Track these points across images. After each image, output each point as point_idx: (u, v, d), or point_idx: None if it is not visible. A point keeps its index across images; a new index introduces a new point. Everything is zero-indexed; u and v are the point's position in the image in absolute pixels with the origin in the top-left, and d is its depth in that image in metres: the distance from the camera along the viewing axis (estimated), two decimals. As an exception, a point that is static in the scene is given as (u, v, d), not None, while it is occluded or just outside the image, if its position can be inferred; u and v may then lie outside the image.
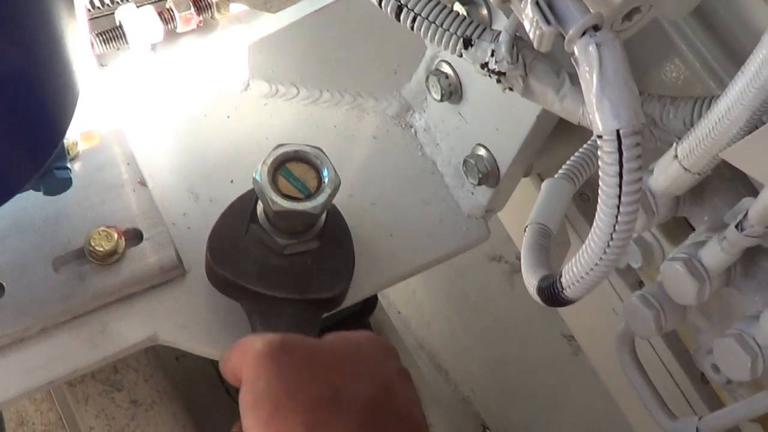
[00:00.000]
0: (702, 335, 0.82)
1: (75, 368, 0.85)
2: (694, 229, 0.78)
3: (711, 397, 0.99)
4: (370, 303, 1.04)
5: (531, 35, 0.60)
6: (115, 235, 0.88)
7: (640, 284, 0.98)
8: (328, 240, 0.90)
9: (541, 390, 1.68)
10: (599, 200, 0.58)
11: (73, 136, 0.91)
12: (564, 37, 0.59)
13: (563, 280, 0.63)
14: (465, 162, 0.94)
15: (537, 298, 0.68)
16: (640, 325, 0.76)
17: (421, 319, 1.87)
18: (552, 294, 0.65)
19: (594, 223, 0.59)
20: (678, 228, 0.82)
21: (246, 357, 0.70)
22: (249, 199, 0.88)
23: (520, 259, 1.56)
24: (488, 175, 0.92)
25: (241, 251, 0.88)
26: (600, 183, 0.57)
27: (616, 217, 0.57)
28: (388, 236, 0.96)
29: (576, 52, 0.58)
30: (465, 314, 1.82)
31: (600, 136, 0.56)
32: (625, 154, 0.55)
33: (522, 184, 0.99)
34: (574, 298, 0.64)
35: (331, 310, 0.93)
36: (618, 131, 0.55)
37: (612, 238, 0.58)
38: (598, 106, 0.56)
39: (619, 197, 0.56)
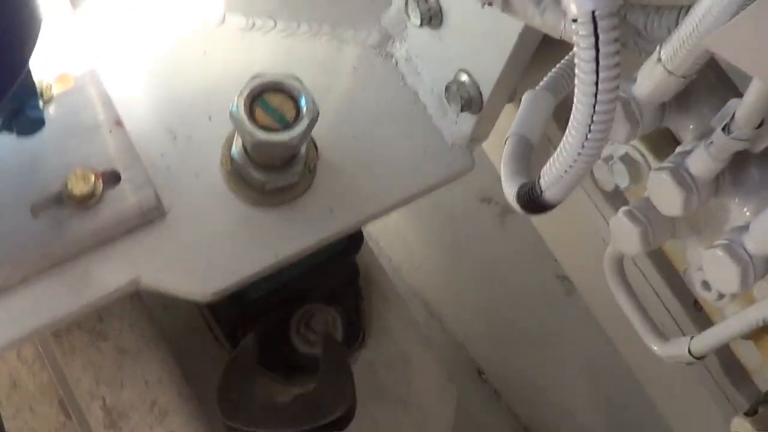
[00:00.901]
0: (690, 251, 0.81)
1: (58, 316, 0.84)
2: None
3: (704, 324, 0.98)
4: (355, 241, 1.02)
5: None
6: (93, 177, 0.86)
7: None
8: (327, 365, 0.95)
9: (536, 332, 1.68)
10: (576, 90, 0.56)
11: (47, 79, 0.89)
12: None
13: (541, 182, 0.61)
14: (447, 88, 0.93)
15: (516, 206, 0.66)
16: (627, 241, 0.75)
17: (412, 265, 1.86)
18: (531, 198, 0.63)
19: (571, 117, 0.57)
20: (665, 143, 0.80)
21: None
22: (249, 355, 0.95)
23: (511, 201, 1.56)
24: (471, 101, 0.91)
25: (247, 401, 0.95)
26: (576, 71, 0.55)
27: (594, 106, 0.55)
28: (371, 168, 0.94)
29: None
30: (457, 258, 1.81)
31: (575, 20, 0.54)
32: (601, 37, 0.53)
33: (507, 116, 0.97)
34: (553, 201, 0.62)
35: (343, 428, 0.97)
36: (593, 12, 0.53)
37: (590, 130, 0.56)
38: (573, -14, 0.54)
39: (596, 84, 0.54)
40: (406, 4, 0.92)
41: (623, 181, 0.84)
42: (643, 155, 0.82)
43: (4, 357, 1.22)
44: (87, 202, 0.86)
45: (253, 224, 0.90)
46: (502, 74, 0.86)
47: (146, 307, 1.04)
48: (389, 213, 0.94)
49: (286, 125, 0.83)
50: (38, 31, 0.71)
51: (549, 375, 1.68)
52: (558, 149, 0.59)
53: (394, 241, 1.81)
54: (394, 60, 1.00)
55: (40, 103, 0.86)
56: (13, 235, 0.84)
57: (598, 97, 0.54)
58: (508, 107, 0.97)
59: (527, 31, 0.81)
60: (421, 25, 0.91)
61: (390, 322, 1.14)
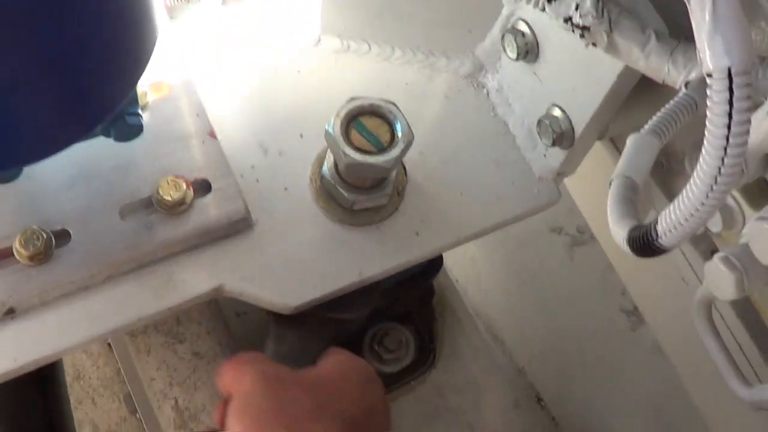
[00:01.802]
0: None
1: (139, 317, 0.85)
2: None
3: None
4: (436, 264, 1.03)
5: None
6: (184, 185, 0.87)
7: (712, 253, 0.96)
8: None
9: (598, 364, 1.67)
10: (705, 142, 0.56)
11: (142, 87, 0.91)
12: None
13: (659, 227, 0.62)
14: (539, 122, 0.93)
15: (626, 248, 0.66)
16: (722, 287, 0.75)
17: (478, 288, 1.86)
18: (645, 243, 0.64)
19: (697, 167, 0.57)
20: (760, 192, 0.80)
21: (240, 379, 0.78)
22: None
23: (581, 232, 1.56)
24: (563, 136, 0.91)
25: None
26: (707, 124, 0.56)
27: (722, 159, 0.55)
28: (458, 195, 0.95)
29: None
30: (523, 285, 1.81)
31: (709, 75, 0.54)
32: (735, 93, 0.53)
33: (592, 150, 0.98)
34: (668, 246, 0.63)
35: (347, 331, 0.99)
36: (729, 69, 0.53)
37: (716, 182, 0.56)
38: (709, 43, 0.54)
39: (727, 138, 0.54)
40: (503, 37, 0.93)
41: (716, 227, 0.84)
42: (737, 202, 0.82)
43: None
44: (177, 208, 0.87)
45: (338, 242, 0.92)
46: (596, 112, 0.87)
47: (222, 314, 1.05)
48: (473, 240, 0.95)
49: (381, 149, 0.84)
50: (154, 47, 0.72)
51: (609, 407, 1.68)
52: (680, 197, 0.59)
53: (462, 263, 1.81)
54: (485, 90, 1.01)
55: (139, 109, 0.88)
56: (101, 235, 0.86)
57: (728, 150, 0.55)
58: (594, 147, 0.97)
59: (626, 71, 0.82)
60: (517, 59, 0.92)
61: (461, 345, 1.15)
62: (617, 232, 0.67)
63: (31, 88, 0.62)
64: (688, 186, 0.59)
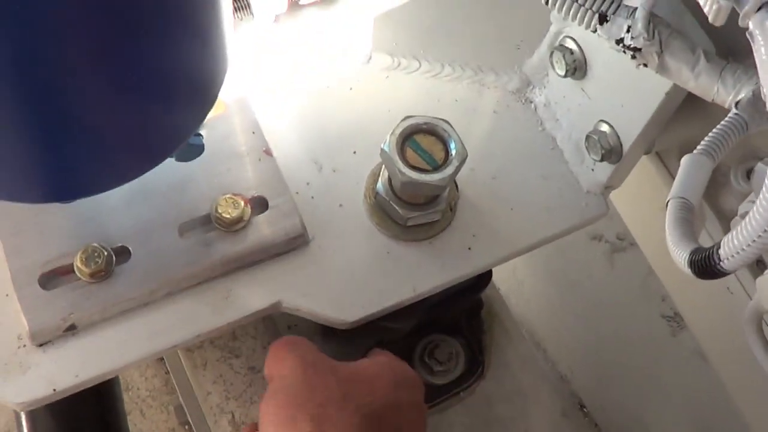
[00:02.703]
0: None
1: (198, 333, 0.87)
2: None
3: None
4: (485, 278, 1.04)
5: (706, 10, 0.60)
6: (242, 203, 0.89)
7: (757, 263, 0.97)
8: None
9: (639, 370, 1.68)
10: None
11: (200, 106, 0.92)
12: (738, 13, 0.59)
13: (722, 252, 0.63)
14: (587, 138, 0.94)
15: (688, 271, 0.67)
16: (773, 300, 0.76)
17: (520, 297, 1.87)
18: (707, 266, 0.65)
19: (761, 194, 0.59)
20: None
21: (280, 362, 0.83)
22: None
23: (620, 239, 1.57)
24: (611, 151, 0.92)
25: None
26: None
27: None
28: (508, 210, 0.97)
29: (751, 27, 0.58)
30: (564, 293, 1.82)
31: None
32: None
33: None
34: (730, 270, 0.64)
35: (391, 341, 1.01)
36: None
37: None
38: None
39: None
40: (551, 54, 0.95)
41: (766, 242, 0.85)
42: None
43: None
44: (235, 226, 0.89)
45: (393, 257, 0.93)
46: (645, 128, 0.88)
47: (276, 328, 1.06)
48: (523, 254, 0.97)
49: (436, 167, 0.86)
50: (225, 75, 0.74)
51: (651, 413, 1.68)
52: (744, 222, 0.61)
53: (503, 272, 1.82)
54: (533, 105, 1.03)
55: (201, 130, 0.90)
56: (160, 252, 0.88)
57: None
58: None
59: (674, 89, 0.83)
60: (565, 75, 0.94)
61: (509, 356, 1.16)
62: (678, 254, 0.68)
63: (112, 119, 0.64)
64: (752, 211, 0.60)
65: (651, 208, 1.09)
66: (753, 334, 0.85)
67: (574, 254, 1.69)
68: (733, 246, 0.62)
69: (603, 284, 1.66)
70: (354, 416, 0.78)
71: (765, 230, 0.59)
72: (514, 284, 1.86)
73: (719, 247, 0.63)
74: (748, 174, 0.94)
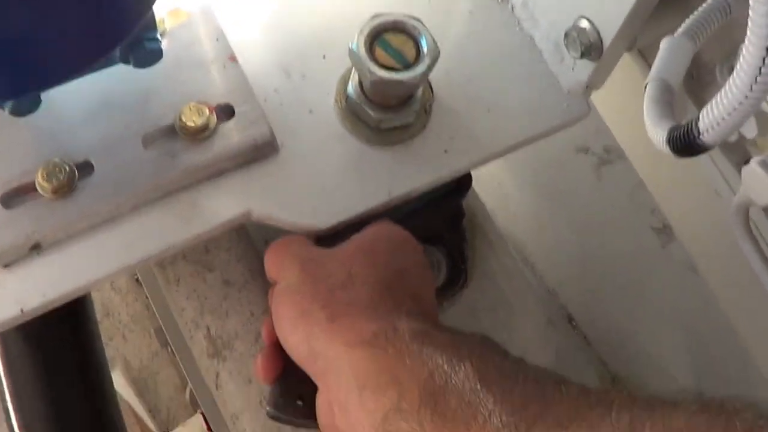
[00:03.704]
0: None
1: (167, 246, 0.85)
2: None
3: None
4: (464, 184, 1.02)
5: None
6: (207, 111, 0.86)
7: (746, 163, 0.95)
8: None
9: (628, 282, 1.66)
10: (748, 32, 0.54)
11: (159, 14, 0.89)
12: None
13: (701, 124, 0.60)
14: (566, 35, 0.91)
15: (666, 149, 0.65)
16: (760, 191, 0.73)
17: (506, 212, 1.85)
18: (687, 141, 0.62)
19: (740, 59, 0.56)
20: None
21: (279, 266, 0.84)
22: None
23: (607, 151, 1.55)
24: (591, 47, 0.89)
25: None
26: (750, 12, 0.54)
27: (766, 49, 0.54)
28: (486, 111, 0.94)
29: None
30: (551, 207, 1.80)
31: None
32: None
33: (620, 66, 0.96)
34: (711, 143, 0.61)
35: None
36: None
37: (761, 73, 0.55)
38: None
39: None
40: (526, -50, 0.91)
41: (751, 133, 0.83)
42: (773, 105, 0.81)
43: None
44: (200, 134, 0.86)
45: (366, 162, 0.91)
46: (625, 22, 0.85)
47: (251, 241, 1.04)
48: (502, 156, 0.94)
49: (407, 65, 0.83)
50: None
51: (640, 325, 1.67)
52: (722, 91, 0.58)
53: (489, 186, 1.80)
54: (510, 5, 0.99)
55: (158, 34, 0.87)
56: (124, 165, 0.85)
57: None
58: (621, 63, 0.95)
59: (654, -22, 0.80)
60: (541, -29, 0.90)
61: (493, 266, 1.14)
62: (656, 133, 0.66)
63: (48, 4, 0.61)
64: (730, 80, 0.57)
65: (638, 118, 1.07)
66: (740, 227, 0.83)
67: (561, 167, 1.67)
68: (712, 117, 0.60)
69: (591, 197, 1.64)
70: (363, 290, 0.78)
71: (746, 96, 0.56)
72: (500, 199, 1.84)
73: (698, 120, 0.61)
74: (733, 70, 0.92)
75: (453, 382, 0.67)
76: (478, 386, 0.66)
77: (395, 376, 0.70)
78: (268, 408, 0.85)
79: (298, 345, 0.78)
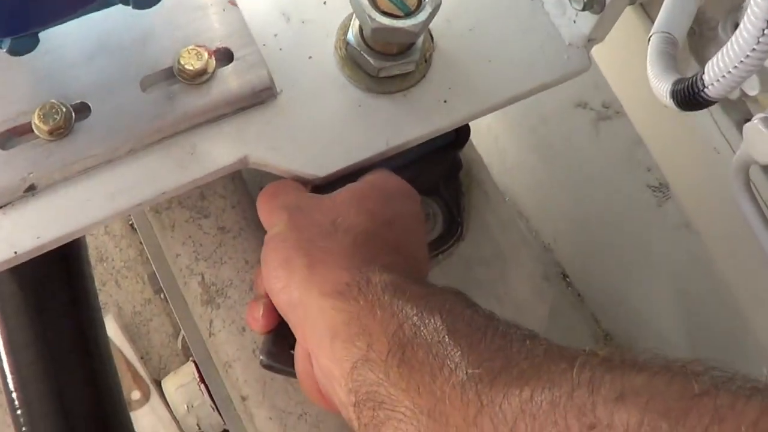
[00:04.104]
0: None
1: (164, 190, 0.84)
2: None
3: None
4: (462, 135, 1.01)
5: None
6: (206, 54, 0.85)
7: (746, 121, 0.94)
8: None
9: (622, 240, 1.67)
10: None
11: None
12: None
13: (705, 77, 0.60)
14: (569, -14, 0.91)
15: (670, 102, 0.65)
16: (761, 148, 0.73)
17: (503, 167, 1.85)
18: (691, 94, 0.62)
19: (746, 14, 0.55)
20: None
21: (268, 215, 0.86)
22: None
23: (606, 107, 1.54)
24: (593, 0, 0.89)
25: None
26: None
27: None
28: (486, 62, 0.93)
29: None
30: (547, 162, 1.80)
31: None
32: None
33: (622, 21, 0.95)
34: (715, 96, 0.61)
35: None
36: None
37: (767, 27, 0.54)
38: None
39: None
40: None
41: (753, 90, 0.82)
42: (774, 64, 0.80)
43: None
44: (199, 78, 0.85)
45: (365, 110, 0.90)
46: (629, -27, 0.84)
47: (247, 188, 1.04)
48: (502, 108, 0.93)
49: (408, 12, 0.82)
50: None
51: (633, 283, 1.67)
52: (728, 45, 0.58)
53: (486, 140, 1.80)
54: (513, -46, 0.98)
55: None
56: (121, 107, 0.84)
57: None
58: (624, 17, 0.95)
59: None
60: None
61: (488, 219, 1.13)
62: (660, 86, 0.65)
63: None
64: (737, 33, 0.57)
65: (638, 74, 1.07)
66: (739, 185, 0.83)
67: (559, 122, 1.66)
68: (718, 70, 0.59)
69: (588, 153, 1.64)
70: (344, 239, 0.79)
71: (754, 48, 0.56)
72: (497, 153, 1.84)
73: (703, 74, 0.60)
74: (737, 27, 0.91)
75: (422, 334, 0.68)
76: (447, 339, 0.67)
77: (365, 327, 0.71)
78: (261, 357, 0.85)
79: (279, 293, 0.79)
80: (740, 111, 0.94)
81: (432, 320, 0.69)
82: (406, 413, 0.65)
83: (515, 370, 0.62)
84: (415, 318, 0.70)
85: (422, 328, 0.69)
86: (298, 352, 0.80)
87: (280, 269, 0.79)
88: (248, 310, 0.86)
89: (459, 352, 0.65)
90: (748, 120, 0.95)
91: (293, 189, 0.86)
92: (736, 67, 0.57)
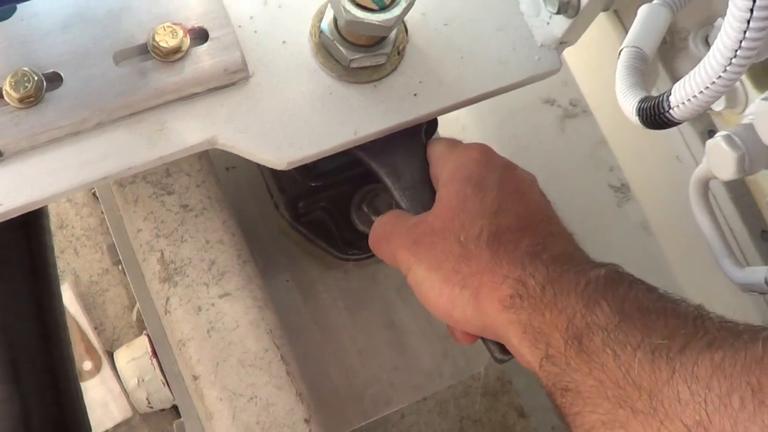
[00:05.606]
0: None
1: (130, 165, 0.84)
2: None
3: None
4: (430, 128, 1.02)
5: None
6: (181, 33, 0.85)
7: (710, 133, 0.96)
8: None
9: (583, 239, 1.67)
10: (728, 13, 0.54)
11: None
12: None
13: (672, 99, 0.61)
14: (544, -11, 0.91)
15: (635, 119, 0.65)
16: (722, 166, 0.74)
17: (468, 157, 1.85)
18: (656, 114, 0.63)
19: (718, 38, 0.56)
20: (765, 73, 0.79)
21: (395, 259, 0.90)
22: None
23: (573, 105, 1.55)
24: (568, 4, 0.89)
25: None
26: None
27: (745, 32, 0.54)
28: (458, 58, 0.94)
29: None
30: (513, 156, 1.79)
31: None
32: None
33: (594, 22, 0.96)
34: (680, 119, 0.62)
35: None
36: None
37: (736, 55, 0.55)
38: None
39: (751, 11, 0.53)
40: None
41: (719, 105, 0.83)
42: (741, 82, 0.81)
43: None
44: (172, 56, 0.85)
45: (335, 99, 0.90)
46: (604, -19, 0.85)
47: (212, 168, 1.04)
48: (471, 104, 0.94)
49: (383, 6, 0.82)
50: None
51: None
52: (697, 68, 0.58)
53: (453, 130, 1.80)
54: (491, -47, 0.99)
55: (138, -49, 0.86)
56: (93, 80, 0.84)
57: (751, 24, 0.53)
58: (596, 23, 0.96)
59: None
60: None
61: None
62: (626, 101, 0.66)
63: None
64: (705, 59, 0.57)
65: (607, 74, 1.08)
66: (698, 198, 0.84)
67: (526, 117, 1.67)
68: (684, 93, 0.60)
69: (552, 149, 1.65)
70: (481, 254, 0.83)
71: (720, 76, 0.56)
72: (463, 144, 1.84)
73: (669, 95, 0.61)
74: (707, 39, 0.92)
75: (594, 322, 0.72)
76: (621, 323, 0.71)
77: (539, 330, 0.76)
78: (498, 356, 0.88)
79: (465, 326, 0.85)
80: (704, 122, 0.95)
81: (599, 308, 0.73)
82: (591, 391, 0.69)
83: (702, 342, 0.66)
84: (583, 310, 0.73)
85: (592, 317, 0.72)
86: None
87: (454, 312, 0.84)
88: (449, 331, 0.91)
89: (638, 332, 0.69)
90: (712, 131, 0.96)
91: (398, 223, 0.91)
92: (702, 92, 0.58)
